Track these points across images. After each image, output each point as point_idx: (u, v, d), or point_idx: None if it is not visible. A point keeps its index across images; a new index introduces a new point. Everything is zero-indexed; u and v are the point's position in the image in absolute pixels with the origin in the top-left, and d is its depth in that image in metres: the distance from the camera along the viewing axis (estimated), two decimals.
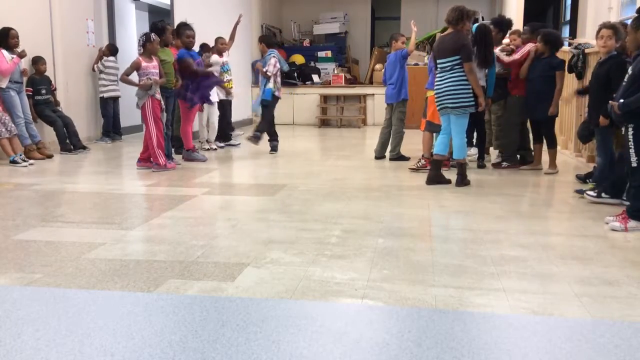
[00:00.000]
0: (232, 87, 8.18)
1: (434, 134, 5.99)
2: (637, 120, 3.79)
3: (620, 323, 2.27)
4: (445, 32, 5.20)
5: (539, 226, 3.88)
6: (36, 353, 1.98)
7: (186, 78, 6.67)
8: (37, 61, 7.33)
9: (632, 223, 3.71)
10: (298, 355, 1.98)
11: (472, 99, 5.06)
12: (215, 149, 7.99)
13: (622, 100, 3.82)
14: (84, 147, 7.64)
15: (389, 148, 6.99)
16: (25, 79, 6.99)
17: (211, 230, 3.73)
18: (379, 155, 7.08)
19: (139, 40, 6.08)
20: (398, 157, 6.88)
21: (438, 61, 5.19)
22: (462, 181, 5.24)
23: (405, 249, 3.29)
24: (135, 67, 5.92)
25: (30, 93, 7.22)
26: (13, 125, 6.59)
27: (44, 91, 7.36)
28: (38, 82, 7.32)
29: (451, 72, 5.07)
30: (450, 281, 2.74)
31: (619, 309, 2.43)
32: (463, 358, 1.96)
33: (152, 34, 6.07)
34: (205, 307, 2.39)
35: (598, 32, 4.73)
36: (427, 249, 3.27)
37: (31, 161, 6.53)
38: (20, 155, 6.47)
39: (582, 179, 5.40)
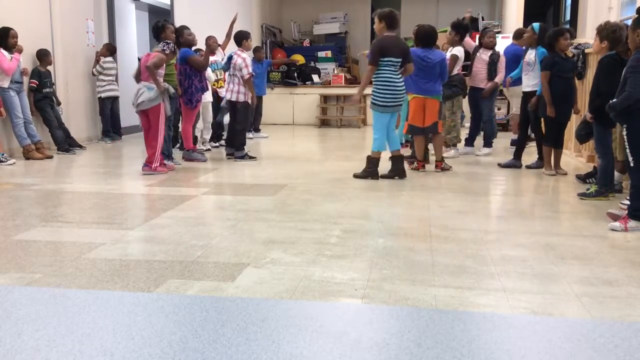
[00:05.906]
0: (221, 87, 8.00)
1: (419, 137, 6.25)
2: (629, 121, 3.78)
3: (620, 323, 2.27)
4: (391, 35, 5.59)
5: (539, 226, 3.88)
6: (36, 353, 1.98)
7: (193, 76, 6.67)
8: (47, 54, 7.39)
9: (632, 223, 3.71)
10: (298, 355, 1.97)
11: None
12: (210, 149, 7.97)
13: (609, 102, 3.84)
14: (80, 146, 7.76)
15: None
16: (25, 79, 6.99)
17: (211, 230, 3.72)
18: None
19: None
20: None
21: (395, 60, 5.45)
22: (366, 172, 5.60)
23: (405, 249, 3.29)
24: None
25: (36, 85, 7.22)
26: None
27: (48, 84, 7.40)
28: (44, 75, 7.36)
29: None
30: (450, 281, 2.74)
31: (619, 309, 2.43)
32: (463, 358, 1.96)
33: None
34: (205, 307, 2.39)
35: None
36: (427, 249, 3.27)
37: (13, 160, 6.50)
38: (3, 154, 6.43)
39: (582, 179, 5.40)
